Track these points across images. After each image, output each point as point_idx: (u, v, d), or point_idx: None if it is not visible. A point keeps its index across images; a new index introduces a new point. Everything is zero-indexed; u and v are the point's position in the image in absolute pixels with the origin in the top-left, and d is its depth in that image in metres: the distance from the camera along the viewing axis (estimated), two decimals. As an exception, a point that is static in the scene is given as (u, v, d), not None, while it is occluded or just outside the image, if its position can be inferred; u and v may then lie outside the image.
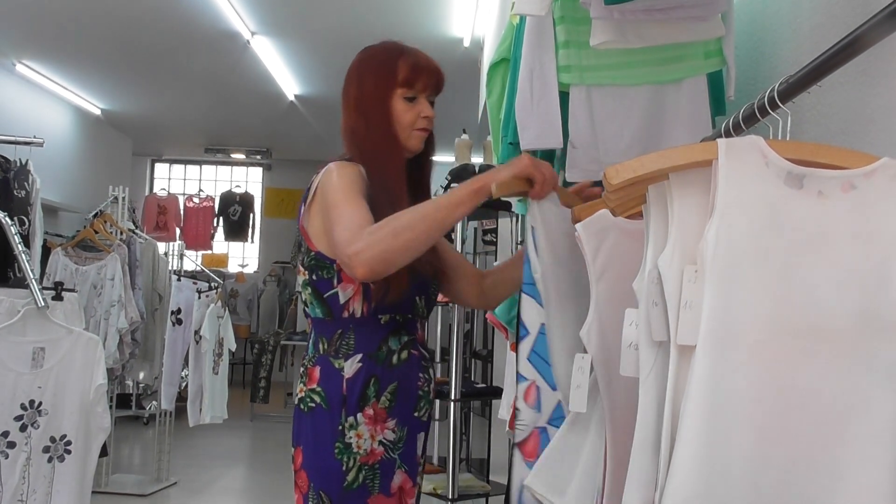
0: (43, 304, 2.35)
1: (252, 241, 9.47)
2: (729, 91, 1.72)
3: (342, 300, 1.57)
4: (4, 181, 3.78)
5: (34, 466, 2.35)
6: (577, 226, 1.14)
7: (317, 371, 1.57)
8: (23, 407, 2.35)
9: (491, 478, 3.51)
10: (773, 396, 0.84)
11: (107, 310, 4.56)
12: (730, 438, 0.82)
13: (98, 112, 7.59)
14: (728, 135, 1.09)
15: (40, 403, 2.37)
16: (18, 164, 3.85)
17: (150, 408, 6.53)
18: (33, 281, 2.38)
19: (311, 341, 1.63)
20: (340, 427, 1.53)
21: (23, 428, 2.35)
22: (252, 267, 10.15)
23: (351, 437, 1.53)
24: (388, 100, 1.64)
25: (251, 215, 9.21)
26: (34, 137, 3.40)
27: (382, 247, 1.38)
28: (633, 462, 0.87)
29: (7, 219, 2.57)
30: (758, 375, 0.84)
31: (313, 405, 1.56)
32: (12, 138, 3.65)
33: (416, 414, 1.62)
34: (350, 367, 1.55)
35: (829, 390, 0.83)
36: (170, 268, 5.14)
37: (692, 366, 0.83)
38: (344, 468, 1.52)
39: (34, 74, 6.44)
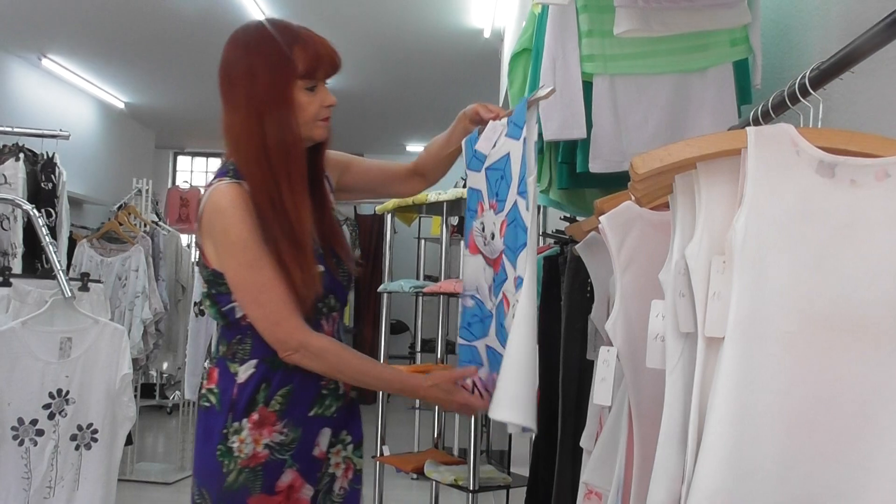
0: (70, 294, 2.38)
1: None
2: (755, 79, 1.69)
3: (238, 314, 1.52)
4: (32, 174, 3.82)
5: (62, 454, 2.38)
6: (601, 218, 1.13)
7: (215, 372, 1.55)
8: (51, 395, 2.38)
9: (512, 469, 3.50)
10: (803, 389, 0.82)
11: (131, 301, 4.61)
12: (758, 432, 0.81)
13: (122, 105, 7.65)
14: (757, 123, 1.08)
15: (67, 392, 2.40)
16: (45, 157, 3.89)
17: (173, 398, 6.59)
18: (60, 272, 2.40)
19: (214, 340, 1.62)
20: (225, 431, 1.50)
21: (51, 416, 2.37)
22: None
23: (233, 442, 1.49)
24: (288, 94, 1.49)
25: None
26: (60, 131, 3.43)
27: (318, 367, 1.49)
28: (660, 456, 0.86)
29: (35, 210, 2.60)
30: (788, 368, 0.82)
31: (208, 404, 1.54)
32: (40, 132, 3.69)
33: (315, 413, 1.55)
34: (244, 372, 1.52)
35: (861, 383, 0.82)
36: (192, 259, 5.17)
37: (720, 358, 0.82)
38: (224, 470, 1.49)
39: (59, 69, 6.50)
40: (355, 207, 8.13)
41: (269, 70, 1.49)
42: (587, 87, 1.76)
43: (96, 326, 2.45)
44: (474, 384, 1.56)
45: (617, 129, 1.73)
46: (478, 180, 1.61)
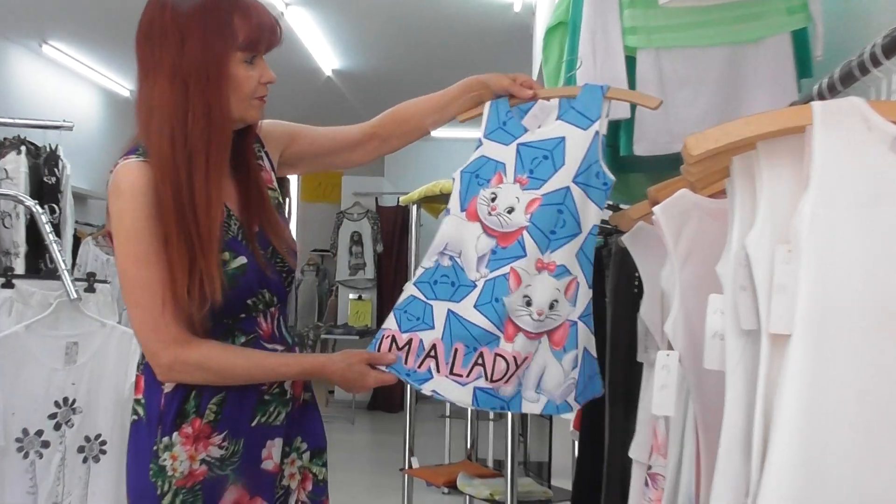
0: (76, 296, 2.40)
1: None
2: (816, 50, 1.66)
3: None
4: (35, 168, 3.87)
5: (69, 467, 2.42)
6: (656, 209, 1.12)
7: (142, 381, 1.50)
8: (56, 405, 2.41)
9: (553, 482, 3.49)
10: (878, 389, 0.81)
11: (140, 302, 4.65)
12: (830, 437, 0.80)
13: (127, 94, 7.74)
14: (822, 98, 1.06)
15: (74, 401, 2.43)
16: (48, 150, 3.94)
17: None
18: (65, 272, 2.43)
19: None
20: (155, 447, 1.44)
21: (57, 426, 2.41)
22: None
23: (165, 460, 1.43)
24: (224, 66, 1.42)
25: (287, 200, 9.31)
26: (63, 121, 3.47)
27: (203, 380, 1.45)
28: (721, 464, 0.85)
29: (38, 207, 2.63)
30: (861, 366, 0.81)
31: (136, 417, 1.50)
32: (42, 122, 3.74)
33: (258, 422, 1.51)
34: None
35: (944, 383, 0.80)
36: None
37: (786, 357, 0.81)
38: (158, 492, 1.43)
39: (61, 56, 6.58)
40: (377, 199, 8.16)
41: (204, 35, 1.41)
42: (630, 62, 1.74)
43: (104, 330, 2.48)
44: (434, 349, 1.56)
45: (665, 106, 1.72)
46: (501, 152, 1.62)
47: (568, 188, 1.53)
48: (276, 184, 1.65)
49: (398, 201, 7.61)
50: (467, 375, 1.55)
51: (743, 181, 0.92)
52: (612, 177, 1.54)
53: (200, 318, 1.42)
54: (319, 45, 6.40)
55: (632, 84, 1.73)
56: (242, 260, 1.47)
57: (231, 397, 1.48)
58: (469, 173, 1.64)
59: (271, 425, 1.53)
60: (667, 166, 1.71)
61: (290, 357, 1.53)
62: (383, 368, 1.56)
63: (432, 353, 1.57)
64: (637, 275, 1.55)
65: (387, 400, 7.69)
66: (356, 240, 8.09)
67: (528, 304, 1.52)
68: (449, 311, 1.57)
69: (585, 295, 1.55)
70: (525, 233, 1.54)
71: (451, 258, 1.60)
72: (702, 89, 1.71)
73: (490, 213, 1.59)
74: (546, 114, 1.60)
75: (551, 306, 1.52)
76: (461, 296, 1.57)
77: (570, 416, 2.46)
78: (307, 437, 1.62)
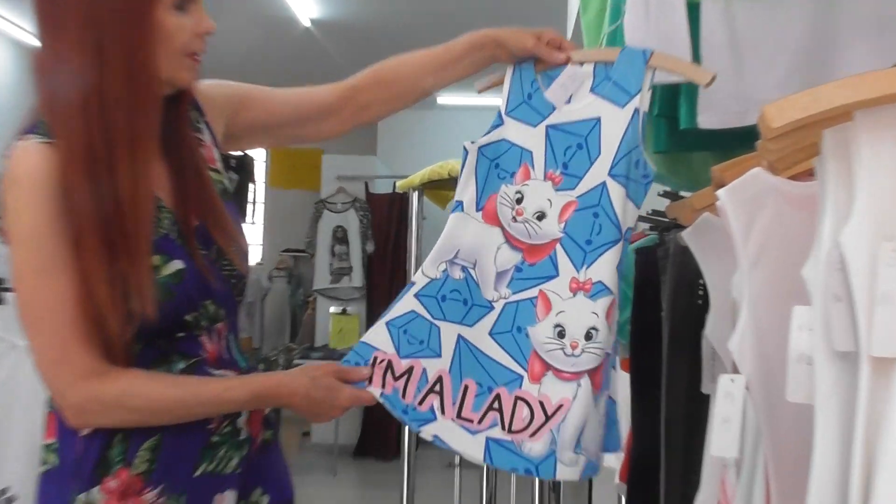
0: (-22, 309, 2.42)
1: (252, 222, 9.60)
2: (935, -8, 1.67)
3: None
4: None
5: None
6: (720, 192, 1.13)
7: (54, 420, 1.49)
8: (-46, 449, 2.42)
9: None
10: None
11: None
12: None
13: (44, 48, 7.79)
14: (940, 54, 1.06)
15: (-23, 444, 2.44)
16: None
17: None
18: (-35, 278, 2.44)
19: None
20: None
21: (-45, 477, 2.42)
22: (253, 257, 10.30)
23: None
24: (148, 14, 1.39)
25: (251, 186, 9.34)
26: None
27: (125, 421, 1.44)
28: (808, 526, 0.85)
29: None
30: None
31: (47, 466, 1.48)
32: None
33: (204, 471, 1.50)
34: None
35: None
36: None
37: (894, 386, 0.82)
38: None
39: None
40: (366, 185, 8.18)
41: None
42: (693, 10, 1.75)
43: (13, 353, 2.49)
44: (439, 382, 1.58)
45: (737, 67, 1.73)
46: (529, 136, 1.63)
47: (604, 184, 1.55)
48: (220, 163, 1.63)
49: (394, 187, 7.64)
50: (479, 422, 1.56)
51: (837, 161, 0.92)
52: (653, 167, 1.57)
53: (122, 343, 1.41)
54: (293, -13, 6.43)
55: (695, 41, 1.73)
56: (178, 265, 1.46)
57: (168, 440, 1.47)
58: (488, 160, 1.64)
59: (221, 474, 1.52)
60: (740, 143, 1.71)
61: (235, 380, 1.53)
62: (373, 390, 1.58)
63: (436, 388, 1.59)
64: (701, 282, 1.56)
65: (379, 443, 7.70)
66: (340, 237, 8.10)
67: (561, 335, 1.54)
68: (459, 336, 1.59)
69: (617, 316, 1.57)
70: (558, 246, 1.56)
71: (465, 269, 1.61)
72: (784, 44, 1.72)
73: (515, 219, 1.60)
74: (577, 83, 1.61)
75: (588, 336, 1.54)
76: (475, 318, 1.59)
77: (616, 466, 2.47)
78: (269, 488, 1.62)
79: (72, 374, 1.40)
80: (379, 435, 7.61)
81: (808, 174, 1.10)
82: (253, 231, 10.29)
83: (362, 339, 1.63)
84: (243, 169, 9.37)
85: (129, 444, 1.45)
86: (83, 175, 1.38)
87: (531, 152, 1.62)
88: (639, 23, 1.76)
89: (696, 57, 1.73)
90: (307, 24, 7.11)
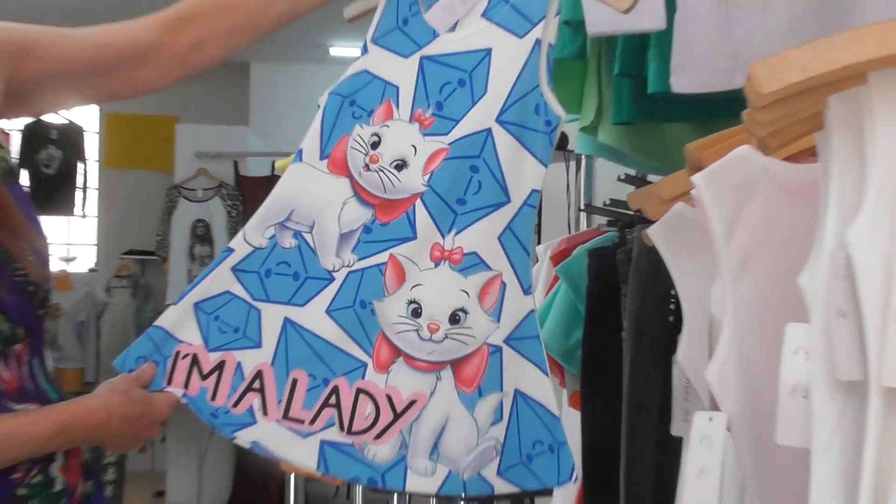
0: None
1: (84, 215, 9.45)
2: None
3: None
4: None
5: None
6: (697, 177, 1.14)
7: None
8: None
9: None
10: None
11: None
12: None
13: None
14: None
15: None
16: None
17: None
18: None
19: None
20: None
21: None
22: (85, 261, 10.15)
23: None
24: None
25: (80, 166, 9.19)
26: None
27: None
28: None
29: None
30: None
31: None
32: None
33: None
34: None
35: None
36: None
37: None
38: None
39: None
40: (236, 165, 8.11)
41: None
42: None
43: None
44: (258, 378, 1.61)
45: (722, 14, 1.75)
46: (397, 68, 1.65)
47: (489, 131, 1.57)
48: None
49: (273, 168, 7.57)
50: (311, 422, 1.59)
51: (845, 137, 0.94)
52: (560, 112, 1.57)
53: None
54: None
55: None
56: None
57: None
58: (339, 97, 1.65)
59: None
60: (727, 111, 1.74)
61: (36, 413, 1.52)
62: (174, 390, 1.62)
63: (256, 385, 1.61)
64: (673, 294, 1.58)
65: (258, 494, 7.63)
66: (201, 234, 8.00)
67: (416, 313, 1.58)
68: (286, 319, 1.61)
69: (519, 304, 1.59)
70: (418, 202, 1.59)
71: (298, 235, 1.63)
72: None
73: (368, 167, 1.62)
74: (468, 6, 1.62)
75: (455, 319, 1.57)
76: (308, 295, 1.61)
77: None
78: None
79: None
80: (256, 494, 7.52)
81: (810, 154, 1.11)
82: (84, 227, 10.14)
83: (159, 323, 1.65)
84: (68, 143, 9.21)
85: None
86: None
87: (397, 87, 1.64)
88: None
89: (671, 0, 1.75)
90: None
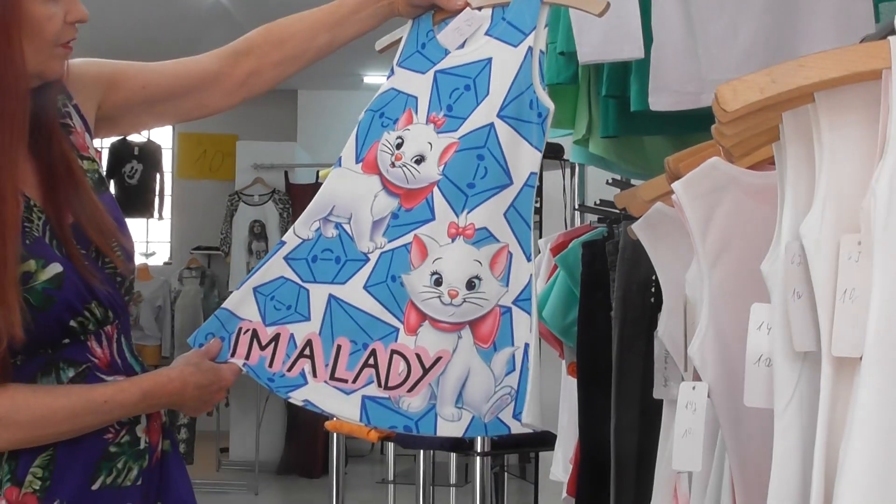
0: None
1: (160, 217, 9.48)
2: (900, -36, 1.71)
3: None
4: None
5: None
6: (675, 185, 1.14)
7: None
8: None
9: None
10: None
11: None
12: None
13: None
14: (905, 31, 1.09)
15: None
16: None
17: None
18: None
19: None
20: None
21: None
22: (161, 256, 10.17)
23: None
24: (16, 4, 1.40)
25: (157, 176, 9.22)
26: None
27: (11, 440, 1.43)
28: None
29: None
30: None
31: None
32: None
33: (103, 483, 1.51)
34: None
35: None
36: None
37: (856, 387, 0.83)
38: None
39: None
40: (286, 174, 8.12)
41: None
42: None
43: None
44: (308, 346, 1.64)
45: (691, 43, 1.74)
46: (415, 83, 1.69)
47: (491, 125, 1.60)
48: (92, 150, 1.62)
49: (317, 176, 7.59)
50: (353, 381, 1.62)
51: (797, 147, 0.94)
52: (549, 104, 1.60)
53: None
54: (202, -47, 6.36)
55: (646, 14, 1.75)
56: (56, 268, 1.45)
57: (62, 454, 1.47)
58: (373, 112, 1.69)
59: (121, 487, 1.53)
60: (697, 126, 1.75)
61: (124, 382, 1.53)
62: (236, 361, 1.64)
63: (306, 352, 1.64)
64: (654, 278, 1.58)
65: (304, 459, 7.65)
66: (258, 232, 8.03)
67: (438, 282, 1.60)
68: (330, 296, 1.64)
69: (524, 270, 1.61)
70: (436, 189, 1.62)
71: (338, 226, 1.66)
72: (743, 19, 1.74)
73: (393, 164, 1.65)
74: (474, 28, 1.66)
75: (470, 285, 1.59)
76: (348, 275, 1.64)
77: (564, 479, 2.49)
78: (169, 501, 1.62)
79: None
80: (304, 450, 7.56)
81: (769, 163, 1.11)
82: (160, 227, 10.17)
83: (225, 305, 1.68)
84: (147, 158, 9.26)
85: (17, 463, 1.44)
86: None
87: (416, 98, 1.67)
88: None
89: (648, 33, 1.75)
90: (217, -6, 7.05)
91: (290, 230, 1.67)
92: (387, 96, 1.69)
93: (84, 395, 1.47)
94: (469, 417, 1.59)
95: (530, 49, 1.60)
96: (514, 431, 1.60)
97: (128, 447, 1.54)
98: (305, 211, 1.68)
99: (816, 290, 0.87)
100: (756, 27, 1.73)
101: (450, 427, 1.59)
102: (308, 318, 1.64)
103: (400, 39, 1.72)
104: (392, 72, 1.69)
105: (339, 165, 1.68)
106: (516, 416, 1.58)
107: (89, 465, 1.50)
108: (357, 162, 1.67)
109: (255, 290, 1.66)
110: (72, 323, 1.48)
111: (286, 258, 1.66)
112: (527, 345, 1.58)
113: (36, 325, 1.41)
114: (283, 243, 1.67)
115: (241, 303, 1.66)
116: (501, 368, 1.59)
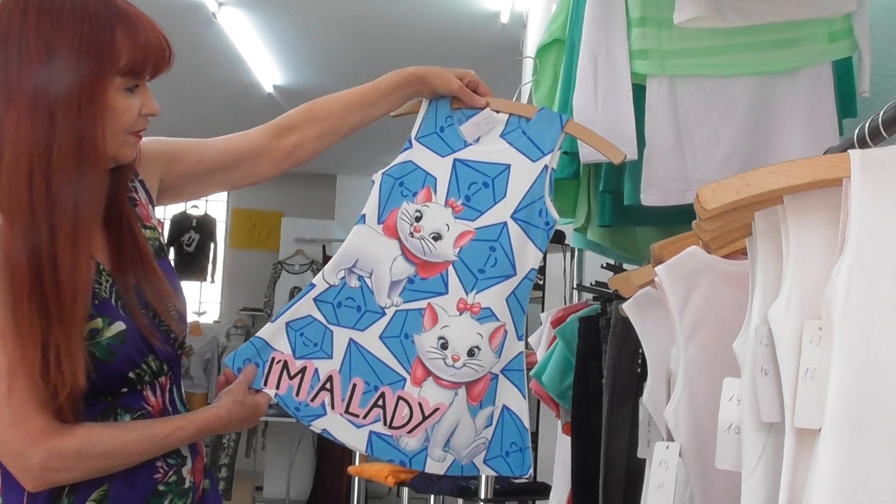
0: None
1: (212, 281, 9.53)
2: (862, 85, 1.72)
3: None
4: None
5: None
6: (658, 269, 1.15)
7: None
8: None
9: None
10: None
11: None
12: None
13: None
14: (863, 144, 1.09)
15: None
16: None
17: None
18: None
19: None
20: None
21: None
22: (212, 315, 10.19)
23: None
24: (100, 93, 1.40)
25: (212, 245, 9.28)
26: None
27: (89, 471, 1.42)
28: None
29: None
30: (906, 471, 0.83)
31: None
32: None
33: None
34: None
35: None
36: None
37: (815, 457, 0.82)
38: None
39: None
40: (324, 248, 8.17)
41: (78, 53, 1.37)
42: (639, 91, 1.78)
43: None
44: (329, 381, 1.67)
45: (678, 147, 1.75)
46: (434, 164, 1.73)
47: (505, 224, 1.67)
48: (154, 220, 1.63)
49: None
50: (364, 417, 1.67)
51: (767, 242, 0.94)
52: (555, 216, 1.67)
53: (70, 402, 1.38)
54: (259, 55, 6.46)
55: (639, 117, 1.77)
56: (120, 326, 1.45)
57: (117, 489, 1.45)
58: (392, 178, 1.73)
59: None
60: (682, 219, 1.75)
61: (181, 419, 1.54)
62: (269, 391, 1.67)
63: (328, 386, 1.68)
64: (641, 351, 1.57)
65: (330, 499, 7.60)
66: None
67: (444, 346, 1.65)
68: (351, 340, 1.68)
69: (514, 346, 1.68)
70: (451, 268, 1.67)
71: (361, 278, 1.70)
72: (725, 127, 1.75)
73: (412, 235, 1.69)
74: (490, 126, 1.72)
75: (471, 353, 1.65)
76: (366, 324, 1.68)
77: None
78: None
79: (30, 435, 1.36)
80: (330, 490, 7.53)
81: (742, 254, 1.12)
82: (212, 290, 10.21)
83: (261, 334, 1.69)
84: (204, 228, 9.33)
85: (76, 496, 1.43)
86: (24, 244, 1.35)
87: (435, 178, 1.71)
88: (586, 100, 1.80)
89: (641, 137, 1.76)
90: (270, 90, 7.15)
91: (320, 274, 1.71)
92: (406, 167, 1.73)
93: (148, 430, 1.48)
94: (451, 459, 1.66)
95: (546, 167, 1.67)
96: (481, 473, 1.75)
97: (175, 486, 1.53)
98: (333, 258, 1.72)
99: (782, 369, 0.87)
100: (736, 136, 1.75)
101: (435, 465, 1.66)
102: (331, 357, 1.68)
103: (416, 110, 1.77)
104: (409, 144, 1.73)
105: (363, 223, 1.71)
106: (486, 461, 1.66)
107: (141, 501, 1.49)
108: (379, 223, 1.71)
109: (287, 324, 1.69)
110: (131, 374, 1.48)
111: (315, 299, 1.69)
112: (504, 405, 1.66)
113: (99, 375, 1.41)
114: (314, 286, 1.71)
115: (275, 335, 1.69)
116: (482, 423, 1.66)
